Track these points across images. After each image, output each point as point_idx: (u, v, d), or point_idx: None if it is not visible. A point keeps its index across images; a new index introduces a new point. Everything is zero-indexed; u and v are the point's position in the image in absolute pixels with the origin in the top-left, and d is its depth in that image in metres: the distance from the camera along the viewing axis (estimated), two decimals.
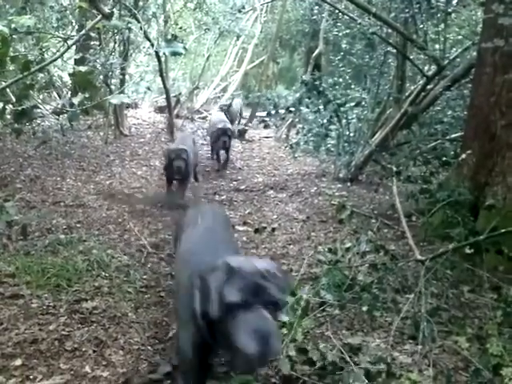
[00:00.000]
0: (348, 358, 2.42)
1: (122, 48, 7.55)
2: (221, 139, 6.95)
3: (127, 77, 8.31)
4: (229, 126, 7.27)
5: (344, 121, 6.69)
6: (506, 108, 3.98)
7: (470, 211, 3.80)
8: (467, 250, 3.09)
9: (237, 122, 8.85)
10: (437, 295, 3.07)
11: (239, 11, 10.75)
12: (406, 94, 6.70)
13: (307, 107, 7.06)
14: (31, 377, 2.60)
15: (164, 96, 9.68)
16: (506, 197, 3.84)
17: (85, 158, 6.97)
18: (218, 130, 7.04)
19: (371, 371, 2.34)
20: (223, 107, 8.96)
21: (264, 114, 10.71)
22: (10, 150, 6.82)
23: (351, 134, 6.76)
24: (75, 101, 2.78)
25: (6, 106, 3.15)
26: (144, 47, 8.83)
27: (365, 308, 2.87)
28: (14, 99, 3.09)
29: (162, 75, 8.04)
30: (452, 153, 5.16)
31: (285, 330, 2.78)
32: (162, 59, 8.10)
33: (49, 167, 6.36)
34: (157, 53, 7.48)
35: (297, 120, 8.58)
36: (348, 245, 3.70)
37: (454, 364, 2.46)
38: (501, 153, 3.97)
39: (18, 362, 2.71)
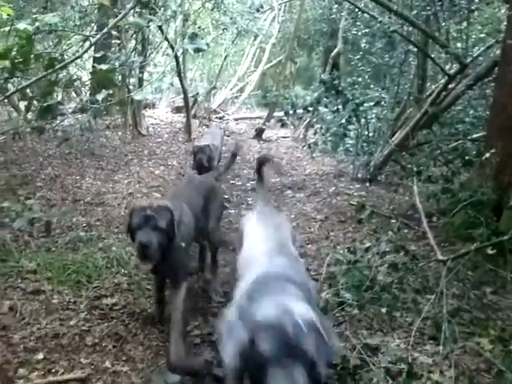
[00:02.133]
0: (367, 358, 2.39)
1: (141, 47, 7.61)
2: (197, 157, 5.52)
3: (146, 75, 8.37)
4: (206, 144, 5.78)
5: (363, 120, 6.65)
6: None
7: (493, 211, 3.73)
8: (490, 251, 3.04)
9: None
10: (458, 296, 3.02)
11: (257, 11, 10.76)
12: (427, 93, 6.63)
13: (325, 107, 7.02)
14: (53, 370, 2.63)
15: (181, 96, 9.74)
16: None
17: (104, 158, 7.04)
18: (194, 147, 5.77)
19: (391, 371, 2.32)
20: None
21: (281, 113, 10.70)
22: (30, 150, 6.91)
23: (370, 134, 6.70)
24: (99, 97, 2.82)
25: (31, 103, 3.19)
26: (162, 47, 8.89)
27: (384, 308, 2.85)
28: (37, 96, 3.14)
29: (179, 75, 8.08)
30: (474, 153, 5.08)
31: None
32: (180, 59, 8.15)
33: (68, 166, 6.43)
34: (175, 53, 7.53)
35: (315, 120, 8.54)
36: (367, 245, 3.68)
37: (476, 365, 2.42)
38: None
39: (40, 356, 2.75)
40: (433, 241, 3.24)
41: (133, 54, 7.18)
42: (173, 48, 6.97)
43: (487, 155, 3.89)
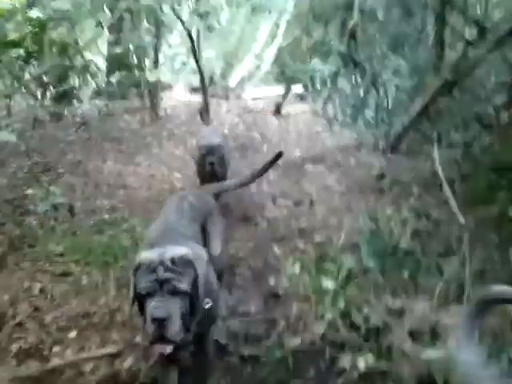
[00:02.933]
0: (391, 321, 2.41)
1: (154, 29, 7.59)
2: (206, 160, 4.30)
3: (161, 57, 8.37)
4: (218, 141, 4.52)
5: (382, 91, 6.54)
6: None
7: None
8: None
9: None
10: (481, 259, 2.99)
11: None
12: (446, 60, 6.46)
13: (344, 79, 6.93)
14: (86, 348, 2.73)
15: (198, 76, 9.72)
16: None
17: (123, 141, 7.10)
18: (202, 148, 4.43)
19: (414, 332, 2.34)
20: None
21: (300, 88, 10.58)
22: (50, 137, 7.02)
23: (389, 104, 6.60)
24: (113, 80, 2.84)
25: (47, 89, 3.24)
26: (175, 28, 8.85)
27: (407, 273, 2.85)
28: (52, 82, 3.19)
29: (195, 55, 8.05)
30: (495, 118, 4.97)
31: (328, 297, 2.81)
32: (195, 39, 8.10)
33: (89, 151, 6.52)
34: (189, 33, 7.50)
35: (333, 93, 8.43)
36: (389, 213, 3.67)
37: (501, 325, 2.41)
38: None
39: (73, 334, 2.86)
40: (455, 205, 3.22)
41: (146, 35, 7.18)
42: (186, 27, 6.94)
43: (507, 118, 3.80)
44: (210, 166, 4.27)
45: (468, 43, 5.61)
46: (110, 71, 6.72)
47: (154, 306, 1.89)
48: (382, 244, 3.23)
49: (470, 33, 6.05)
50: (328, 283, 2.78)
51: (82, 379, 2.50)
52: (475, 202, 3.55)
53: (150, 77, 3.19)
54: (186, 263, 2.01)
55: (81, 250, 3.77)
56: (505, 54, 6.01)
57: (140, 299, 2.00)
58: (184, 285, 1.96)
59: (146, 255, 2.03)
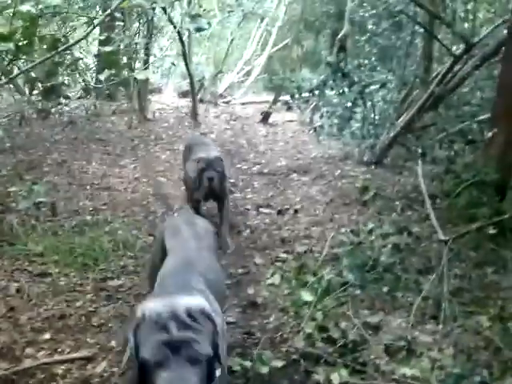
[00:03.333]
0: (368, 336, 2.42)
1: (146, 29, 7.58)
2: (204, 176, 3.85)
3: (152, 59, 8.36)
4: (218, 154, 4.18)
5: (369, 103, 6.60)
6: None
7: (497, 192, 3.72)
8: (492, 231, 3.05)
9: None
10: (459, 276, 3.04)
11: None
12: (433, 74, 6.55)
13: (332, 89, 6.98)
14: (59, 350, 2.69)
15: (187, 80, 9.71)
16: None
17: (110, 143, 7.07)
18: (200, 161, 3.95)
19: (391, 348, 2.35)
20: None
21: (288, 97, 10.62)
22: (36, 135, 6.95)
23: (376, 117, 6.66)
24: (102, 77, 2.84)
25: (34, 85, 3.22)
26: (167, 32, 8.84)
27: (386, 288, 2.87)
28: (41, 77, 3.18)
29: (185, 59, 8.06)
30: (479, 134, 5.05)
31: (306, 309, 2.82)
32: (186, 43, 8.11)
33: (75, 151, 6.48)
34: (180, 36, 7.50)
35: (321, 103, 8.49)
36: (371, 226, 3.69)
37: (475, 343, 2.44)
38: None
39: (47, 336, 2.81)
40: (435, 221, 3.26)
41: (137, 36, 7.16)
42: (177, 30, 6.93)
43: (491, 134, 3.87)
44: (209, 182, 3.83)
45: (454, 57, 5.70)
46: (99, 70, 6.67)
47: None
48: (363, 258, 3.25)
49: (457, 48, 6.14)
50: (306, 295, 2.78)
51: (53, 382, 2.46)
52: (456, 218, 3.60)
53: (139, 75, 3.19)
54: (204, 317, 1.49)
55: (61, 250, 3.73)
56: (490, 70, 6.13)
57: (144, 369, 1.42)
58: (207, 348, 1.44)
59: (152, 306, 1.49)
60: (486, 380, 2.21)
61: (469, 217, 3.51)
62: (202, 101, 10.70)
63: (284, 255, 3.80)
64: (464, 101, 6.34)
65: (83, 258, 3.64)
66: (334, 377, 2.25)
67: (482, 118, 5.67)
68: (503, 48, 4.75)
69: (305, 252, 3.74)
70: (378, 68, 7.71)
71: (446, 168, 4.08)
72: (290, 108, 10.41)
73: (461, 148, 4.75)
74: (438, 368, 2.23)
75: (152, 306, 1.48)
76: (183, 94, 11.75)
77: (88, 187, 5.23)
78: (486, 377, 2.22)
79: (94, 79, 7.91)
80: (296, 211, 4.62)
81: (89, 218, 4.39)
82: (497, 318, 2.50)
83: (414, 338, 2.51)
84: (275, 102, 11.69)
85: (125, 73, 6.55)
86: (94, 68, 7.85)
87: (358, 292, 3.01)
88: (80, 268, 3.54)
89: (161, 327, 1.41)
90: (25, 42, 3.04)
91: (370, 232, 3.64)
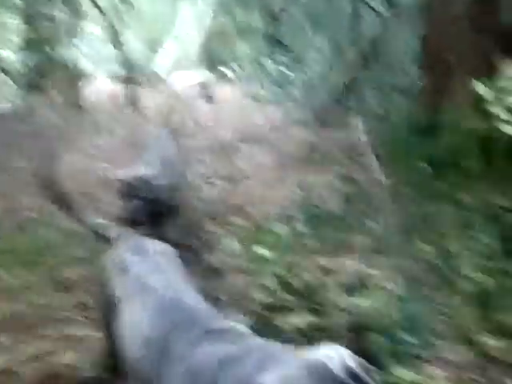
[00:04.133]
0: (323, 277, 2.60)
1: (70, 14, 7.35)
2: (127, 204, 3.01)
3: (82, 46, 8.14)
4: (150, 172, 3.07)
5: (306, 68, 6.76)
6: (457, 37, 4.12)
7: (429, 134, 3.96)
8: (429, 170, 3.28)
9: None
10: (401, 212, 3.23)
11: None
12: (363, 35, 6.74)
13: (268, 58, 7.09)
14: (19, 349, 2.58)
15: (121, 65, 9.53)
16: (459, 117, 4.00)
17: (45, 136, 6.87)
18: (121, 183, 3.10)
19: (347, 286, 2.54)
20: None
21: (227, 70, 10.63)
22: None
23: (314, 80, 6.82)
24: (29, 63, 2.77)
25: None
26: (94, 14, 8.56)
27: (337, 233, 3.06)
28: None
29: (116, 42, 7.88)
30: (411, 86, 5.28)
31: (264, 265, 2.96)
32: (114, 22, 7.93)
33: (8, 147, 6.25)
34: (109, 20, 7.34)
35: (259, 72, 8.56)
36: (318, 180, 3.88)
37: (422, 269, 2.65)
38: (453, 77, 4.12)
39: (3, 338, 2.68)
40: (377, 167, 3.46)
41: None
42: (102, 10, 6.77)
43: (420, 83, 4.10)
44: (133, 214, 2.83)
45: (380, 15, 5.89)
46: (24, 60, 6.46)
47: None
48: (315, 210, 3.42)
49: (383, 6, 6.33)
50: (265, 252, 2.92)
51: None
52: (394, 162, 3.81)
53: (68, 58, 3.12)
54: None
55: (4, 251, 3.63)
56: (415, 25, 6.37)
57: None
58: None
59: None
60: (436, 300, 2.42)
61: (406, 159, 3.72)
62: (137, 83, 10.46)
63: (240, 221, 3.89)
64: (395, 54, 6.57)
65: (31, 256, 3.52)
66: (293, 319, 2.39)
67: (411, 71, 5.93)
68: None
69: (259, 215, 3.86)
70: (311, 34, 7.86)
71: (382, 118, 4.30)
72: (230, 81, 10.46)
73: (395, 100, 4.97)
74: (390, 296, 2.43)
75: None
76: (118, 79, 11.48)
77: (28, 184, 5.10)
78: (434, 298, 2.45)
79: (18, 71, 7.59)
80: (247, 178, 4.73)
81: (32, 214, 4.28)
82: (437, 243, 2.72)
83: (367, 273, 2.71)
84: (216, 77, 11.69)
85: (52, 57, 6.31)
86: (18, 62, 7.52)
87: (313, 242, 3.17)
88: (29, 265, 3.40)
89: None
90: None
91: (319, 187, 3.82)
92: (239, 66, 8.10)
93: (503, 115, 2.39)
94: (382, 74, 5.93)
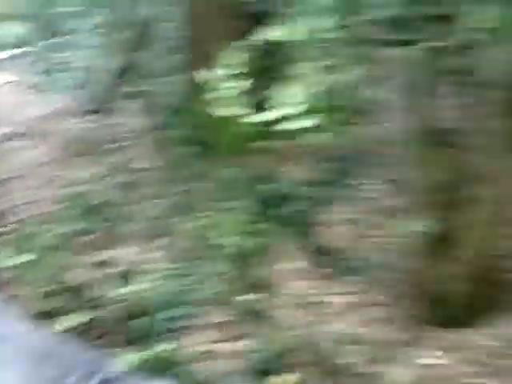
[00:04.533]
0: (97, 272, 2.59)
1: None
2: None
3: None
4: None
5: (80, 52, 6.40)
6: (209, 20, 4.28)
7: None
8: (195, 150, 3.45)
9: None
10: (175, 193, 3.34)
11: None
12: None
13: (39, 43, 6.56)
14: None
15: None
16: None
17: None
18: None
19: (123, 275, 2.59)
20: None
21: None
22: None
23: (88, 64, 6.52)
24: None
25: None
26: None
27: (110, 224, 3.07)
28: None
29: None
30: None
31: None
32: None
33: None
34: None
35: (34, 58, 7.89)
36: (94, 172, 3.81)
37: (192, 245, 2.82)
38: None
39: None
40: (148, 154, 3.51)
41: None
42: None
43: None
44: None
45: None
46: None
47: None
48: (88, 204, 3.35)
49: None
50: (28, 256, 2.80)
51: None
52: (168, 143, 3.88)
53: None
54: None
55: None
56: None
57: None
58: None
59: None
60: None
61: (178, 140, 3.82)
62: None
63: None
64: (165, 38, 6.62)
65: None
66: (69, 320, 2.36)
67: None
68: None
69: (25, 218, 3.60)
70: (85, 14, 7.46)
71: (155, 103, 4.36)
72: (4, 68, 9.48)
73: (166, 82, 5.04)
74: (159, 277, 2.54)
75: None
76: None
77: None
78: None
79: None
80: (15, 178, 4.36)
81: None
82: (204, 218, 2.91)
83: (142, 259, 2.78)
84: None
85: None
86: None
87: (87, 237, 3.12)
88: None
89: None
90: None
91: (93, 177, 3.75)
92: (10, 49, 7.34)
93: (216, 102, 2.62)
94: (153, 56, 5.93)
